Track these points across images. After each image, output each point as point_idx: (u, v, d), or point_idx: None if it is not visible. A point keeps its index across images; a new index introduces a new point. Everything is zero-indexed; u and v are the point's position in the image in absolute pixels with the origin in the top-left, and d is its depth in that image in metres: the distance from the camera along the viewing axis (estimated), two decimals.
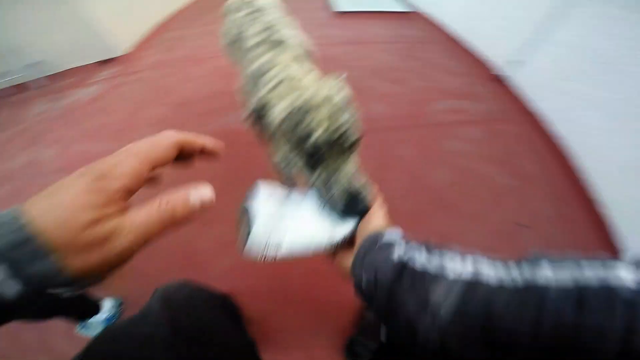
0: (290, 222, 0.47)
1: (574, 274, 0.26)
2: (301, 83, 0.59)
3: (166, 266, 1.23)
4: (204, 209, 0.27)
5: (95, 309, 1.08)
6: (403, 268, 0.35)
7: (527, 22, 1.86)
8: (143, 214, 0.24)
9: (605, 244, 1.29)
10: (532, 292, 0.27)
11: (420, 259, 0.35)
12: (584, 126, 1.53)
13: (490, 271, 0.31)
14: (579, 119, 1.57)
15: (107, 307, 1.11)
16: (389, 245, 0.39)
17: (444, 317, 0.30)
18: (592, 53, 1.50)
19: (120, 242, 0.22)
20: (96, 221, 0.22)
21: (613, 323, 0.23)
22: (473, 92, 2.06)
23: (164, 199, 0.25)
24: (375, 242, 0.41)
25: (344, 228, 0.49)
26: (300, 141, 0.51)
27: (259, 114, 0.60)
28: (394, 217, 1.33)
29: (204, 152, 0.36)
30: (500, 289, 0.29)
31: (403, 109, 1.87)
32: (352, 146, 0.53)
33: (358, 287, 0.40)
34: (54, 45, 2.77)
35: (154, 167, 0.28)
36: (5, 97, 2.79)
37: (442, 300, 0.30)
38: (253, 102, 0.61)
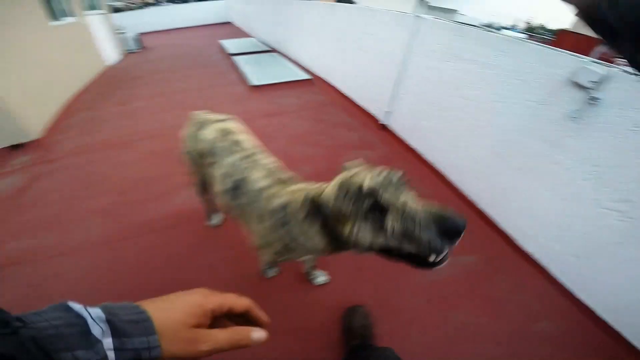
0: None
1: None
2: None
3: None
4: (257, 344, 0.37)
5: None
6: None
7: (387, 80, 2.60)
8: (221, 335, 0.34)
9: (485, 222, 1.92)
10: None
11: None
12: (440, 151, 2.24)
13: None
14: (436, 146, 2.27)
15: None
16: None
17: None
18: (427, 98, 2.23)
19: (201, 347, 0.32)
20: (194, 326, 0.33)
21: None
22: (369, 141, 2.70)
23: (236, 331, 0.36)
24: None
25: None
26: (357, 198, 0.57)
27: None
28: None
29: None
30: None
31: (322, 166, 2.36)
32: (403, 183, 0.59)
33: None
34: None
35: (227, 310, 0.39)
36: None
37: None
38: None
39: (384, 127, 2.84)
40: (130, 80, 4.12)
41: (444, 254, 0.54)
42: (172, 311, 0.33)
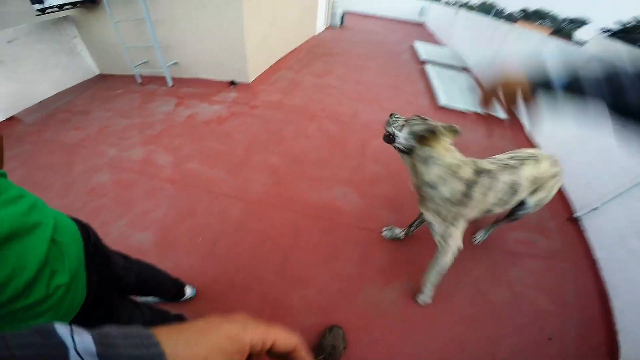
0: None
1: None
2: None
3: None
4: None
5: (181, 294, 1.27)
6: None
7: (621, 170, 1.86)
8: None
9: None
10: None
11: None
12: (629, 278, 1.59)
13: None
14: (628, 271, 1.61)
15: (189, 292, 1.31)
16: None
17: None
18: None
19: None
20: None
21: None
22: (546, 227, 2.04)
23: None
24: None
25: None
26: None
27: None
28: (453, 319, 1.42)
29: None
30: None
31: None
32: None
33: None
34: (199, 53, 3.09)
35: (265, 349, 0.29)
36: (144, 84, 3.16)
37: None
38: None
39: (573, 221, 2.11)
40: (329, 55, 4.35)
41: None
42: (197, 345, 0.24)
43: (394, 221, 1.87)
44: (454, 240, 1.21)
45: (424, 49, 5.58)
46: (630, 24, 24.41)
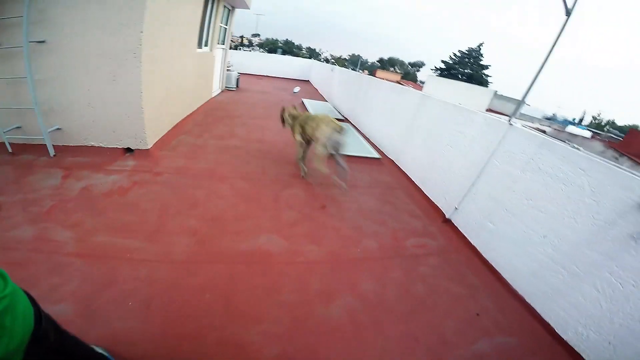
0: None
1: None
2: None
3: None
4: None
5: None
6: None
7: (465, 178, 2.68)
8: None
9: (529, 313, 1.95)
10: None
11: None
12: (500, 251, 2.28)
13: None
14: (496, 247, 2.32)
15: None
16: None
17: None
18: (499, 202, 2.31)
19: None
20: None
21: None
22: (431, 232, 2.71)
23: None
24: None
25: None
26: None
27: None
28: (395, 318, 1.83)
29: None
30: None
31: (388, 244, 2.40)
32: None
33: None
34: (89, 118, 2.86)
35: None
36: (17, 154, 2.72)
37: None
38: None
39: (448, 221, 2.87)
40: (228, 118, 4.62)
41: None
42: None
43: (317, 252, 2.17)
44: (297, 141, 3.20)
45: (310, 105, 6.61)
46: (449, 62, 34.37)
